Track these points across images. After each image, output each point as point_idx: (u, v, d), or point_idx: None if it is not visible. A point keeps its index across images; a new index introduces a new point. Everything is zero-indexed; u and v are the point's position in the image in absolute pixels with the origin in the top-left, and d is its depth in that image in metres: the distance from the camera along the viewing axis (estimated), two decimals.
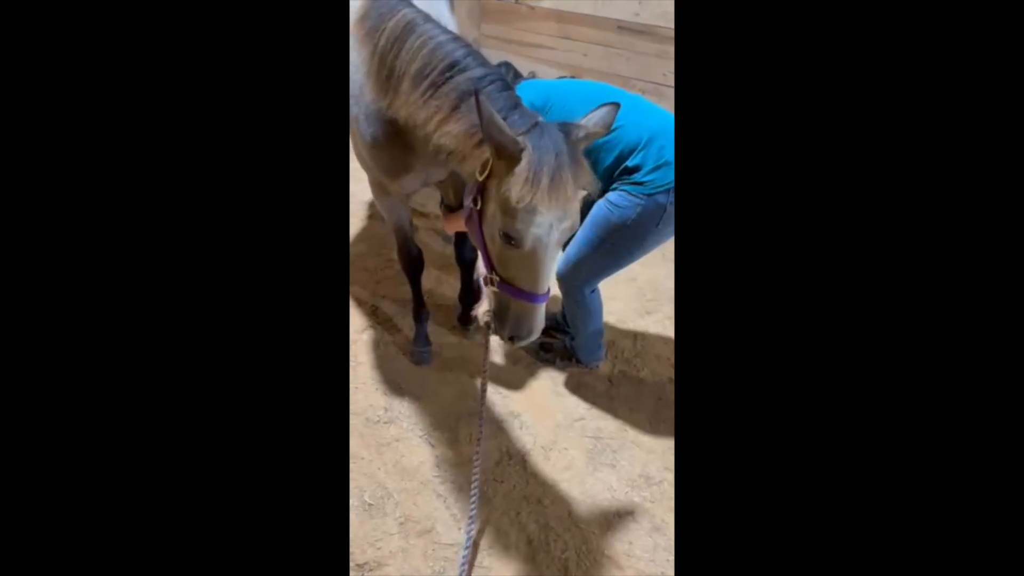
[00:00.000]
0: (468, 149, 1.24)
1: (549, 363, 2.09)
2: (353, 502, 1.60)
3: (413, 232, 1.88)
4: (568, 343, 2.07)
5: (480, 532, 1.56)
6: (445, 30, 1.31)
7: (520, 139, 1.12)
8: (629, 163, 1.54)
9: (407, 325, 2.17)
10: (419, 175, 1.59)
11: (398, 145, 1.41)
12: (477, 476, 1.44)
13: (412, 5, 1.35)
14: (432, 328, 2.13)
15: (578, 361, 2.05)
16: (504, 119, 1.16)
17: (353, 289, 2.39)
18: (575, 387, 2.02)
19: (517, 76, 1.78)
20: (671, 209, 1.51)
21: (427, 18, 1.32)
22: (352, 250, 2.62)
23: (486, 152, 1.17)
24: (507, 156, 1.13)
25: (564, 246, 1.66)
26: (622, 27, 3.13)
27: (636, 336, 2.26)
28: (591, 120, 1.22)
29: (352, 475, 1.66)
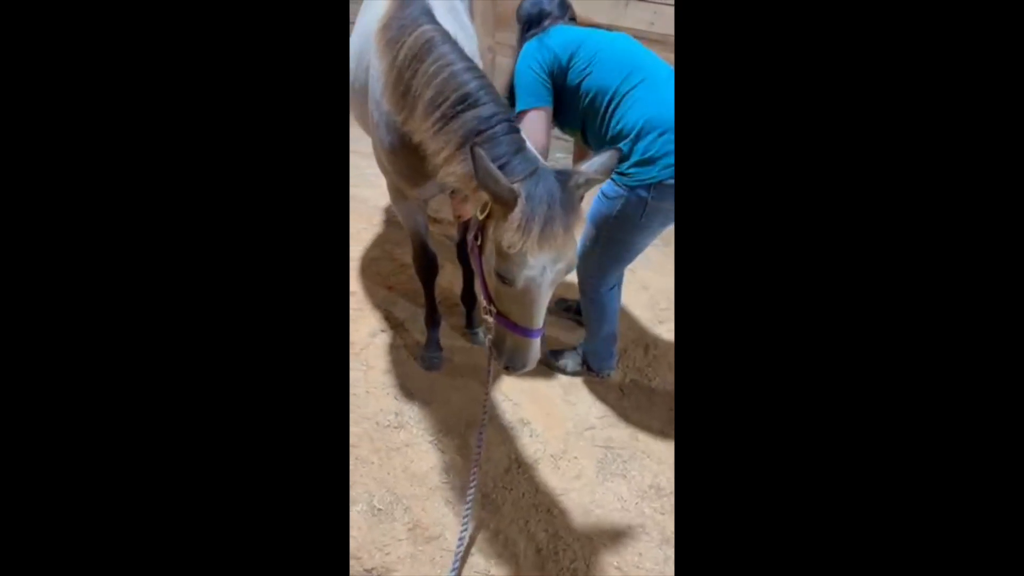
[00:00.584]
0: (469, 191, 1.27)
1: (560, 370, 2.08)
2: (362, 507, 1.60)
3: (429, 237, 1.89)
4: (580, 349, 2.06)
5: (473, 539, 1.55)
6: (462, 55, 1.31)
7: (516, 187, 1.14)
8: (620, 146, 1.52)
9: (419, 330, 2.17)
10: (436, 182, 1.60)
11: (415, 155, 1.41)
12: (472, 492, 1.43)
13: (434, 20, 1.35)
14: (444, 333, 2.13)
15: (589, 368, 2.05)
16: (505, 164, 1.19)
17: (366, 293, 2.40)
18: (586, 396, 2.01)
19: (566, 8, 1.76)
20: (653, 204, 1.53)
21: (446, 37, 1.32)
22: (366, 254, 2.63)
23: (485, 194, 1.20)
24: (503, 202, 1.15)
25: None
26: (636, 36, 3.13)
27: (648, 345, 2.25)
28: (592, 166, 1.23)
29: (361, 480, 1.66)
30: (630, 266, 2.41)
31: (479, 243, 1.28)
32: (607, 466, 1.77)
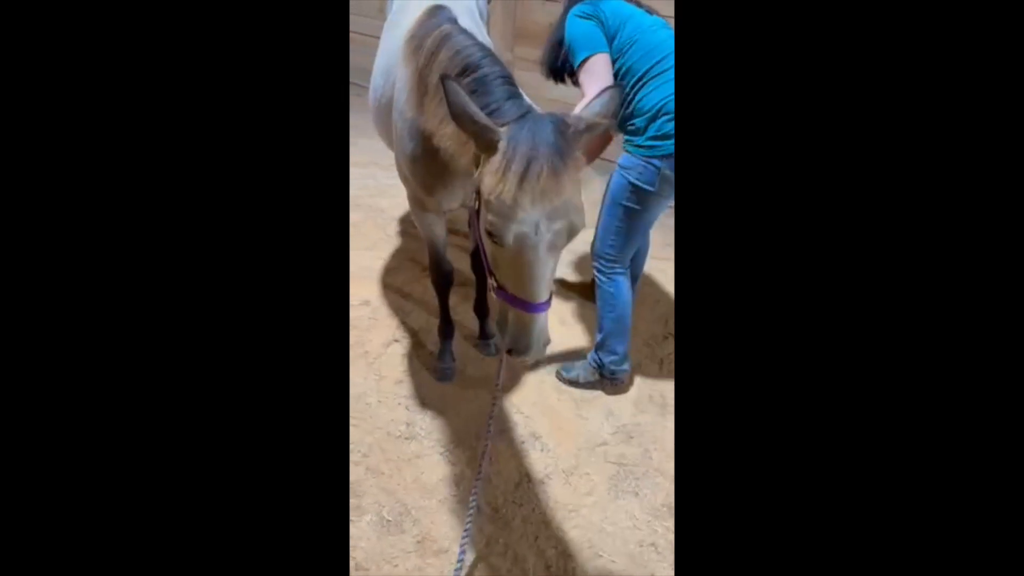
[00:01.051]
0: (459, 146, 1.21)
1: (573, 383, 2.06)
2: (371, 518, 1.59)
3: (446, 249, 1.90)
4: (590, 355, 2.04)
5: (483, 554, 1.53)
6: (472, 38, 1.32)
7: (500, 130, 1.07)
8: (637, 122, 1.71)
9: (432, 340, 2.17)
10: (456, 192, 1.61)
11: (435, 161, 1.43)
12: (475, 500, 1.38)
13: (455, 22, 1.38)
14: (457, 344, 2.13)
15: (602, 374, 2.01)
16: (496, 109, 1.15)
17: (381, 302, 2.41)
18: (598, 411, 1.99)
19: None
20: (664, 172, 1.69)
21: (461, 30, 1.35)
22: (382, 264, 2.66)
23: (474, 146, 1.13)
24: (485, 147, 1.08)
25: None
26: None
27: (663, 361, 2.22)
28: (592, 108, 1.15)
29: (371, 490, 1.66)
30: (642, 280, 2.42)
31: (476, 207, 1.18)
32: (619, 483, 1.74)
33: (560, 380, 2.08)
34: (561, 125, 1.08)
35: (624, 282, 1.93)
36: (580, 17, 1.72)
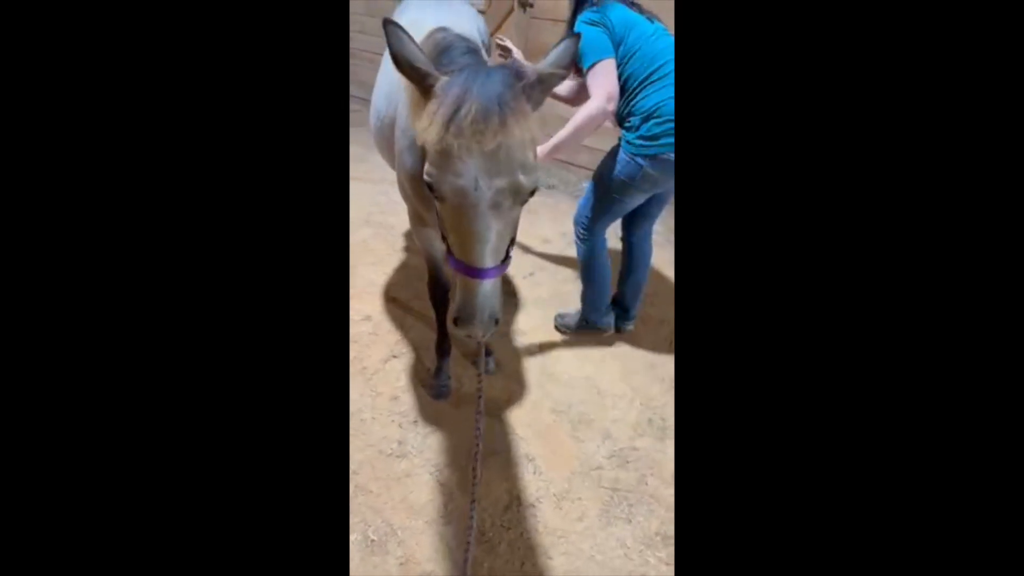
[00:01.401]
0: (414, 110, 1.15)
1: (564, 328, 2.35)
2: (357, 537, 1.57)
3: (445, 264, 1.90)
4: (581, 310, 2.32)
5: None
6: (458, 34, 1.33)
7: (442, 78, 1.03)
8: (633, 120, 1.89)
9: (430, 357, 2.17)
10: None
11: None
12: (472, 531, 1.34)
13: (450, 31, 1.40)
14: (454, 362, 2.12)
15: (587, 322, 2.29)
16: (447, 64, 1.14)
17: (383, 317, 2.42)
18: (595, 433, 1.94)
19: None
20: (646, 170, 1.89)
21: (453, 33, 1.36)
22: (385, 280, 2.67)
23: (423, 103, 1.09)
24: (424, 93, 1.05)
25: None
26: None
27: (663, 382, 2.17)
28: (547, 60, 1.09)
29: (359, 509, 1.64)
30: (644, 301, 2.38)
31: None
32: (612, 509, 1.69)
33: (556, 328, 2.39)
34: (509, 77, 1.02)
35: (599, 246, 2.17)
36: (588, 24, 1.85)
